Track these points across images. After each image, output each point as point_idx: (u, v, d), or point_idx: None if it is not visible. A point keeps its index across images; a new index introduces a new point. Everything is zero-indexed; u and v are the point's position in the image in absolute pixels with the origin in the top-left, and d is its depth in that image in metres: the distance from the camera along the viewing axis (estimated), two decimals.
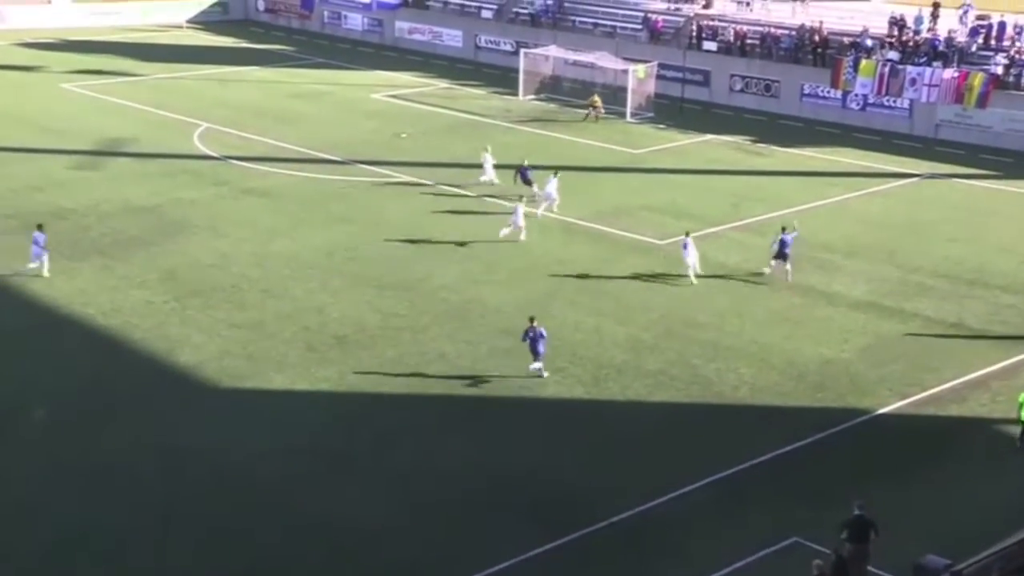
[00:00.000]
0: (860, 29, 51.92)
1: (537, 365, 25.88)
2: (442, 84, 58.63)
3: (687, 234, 32.67)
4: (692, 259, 31.79)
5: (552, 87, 56.02)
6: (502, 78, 58.58)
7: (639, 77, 52.45)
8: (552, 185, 37.40)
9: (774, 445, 23.39)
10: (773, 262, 32.23)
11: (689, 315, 29.88)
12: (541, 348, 25.73)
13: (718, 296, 31.20)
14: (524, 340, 25.84)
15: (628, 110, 51.72)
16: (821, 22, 53.59)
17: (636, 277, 32.33)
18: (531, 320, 26.07)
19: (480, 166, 40.03)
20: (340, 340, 27.89)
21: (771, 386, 26.22)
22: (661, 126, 50.32)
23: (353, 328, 28.56)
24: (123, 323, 28.45)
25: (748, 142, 48.43)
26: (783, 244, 31.80)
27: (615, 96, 52.70)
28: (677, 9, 59.54)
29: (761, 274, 32.38)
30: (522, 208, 34.86)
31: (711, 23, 57.26)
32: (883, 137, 49.11)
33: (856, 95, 50.84)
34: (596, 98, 51.28)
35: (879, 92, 49.50)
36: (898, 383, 26.44)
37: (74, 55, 62.62)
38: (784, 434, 23.87)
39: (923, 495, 22.02)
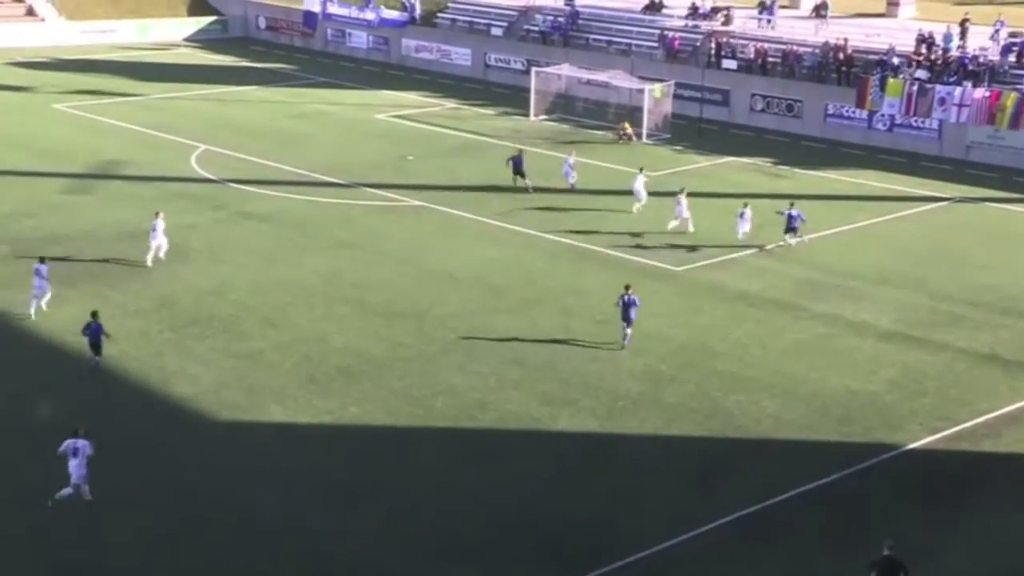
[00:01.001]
0: (886, 47, 52.11)
1: (628, 332, 29.13)
2: (450, 104, 58.93)
3: (745, 205, 37.44)
4: (745, 228, 36.84)
5: (565, 107, 56.28)
6: (512, 98, 58.85)
7: (656, 97, 52.68)
8: (639, 183, 40.49)
9: (798, 481, 23.33)
10: (787, 236, 36.60)
11: (709, 345, 29.88)
12: (633, 315, 28.99)
13: (739, 325, 31.21)
14: (618, 306, 29.28)
15: (644, 131, 51.90)
16: (846, 39, 53.79)
17: (653, 305, 32.36)
18: (626, 288, 29.34)
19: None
20: (343, 371, 27.95)
21: (795, 420, 26.18)
22: (678, 148, 50.46)
23: (357, 358, 28.63)
24: (117, 353, 28.53)
25: (769, 164, 48.51)
26: (791, 219, 36.34)
27: (630, 117, 52.89)
28: (695, 26, 59.82)
29: (782, 245, 36.71)
30: (684, 199, 38.12)
31: (730, 40, 57.52)
32: (911, 159, 49.15)
33: (883, 115, 50.95)
34: (626, 124, 51.59)
35: (907, 112, 49.61)
36: (929, 417, 26.37)
37: (68, 74, 63.12)
38: (809, 470, 23.80)
39: (955, 534, 21.92)
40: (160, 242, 34.34)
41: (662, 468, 24.15)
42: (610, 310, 31.82)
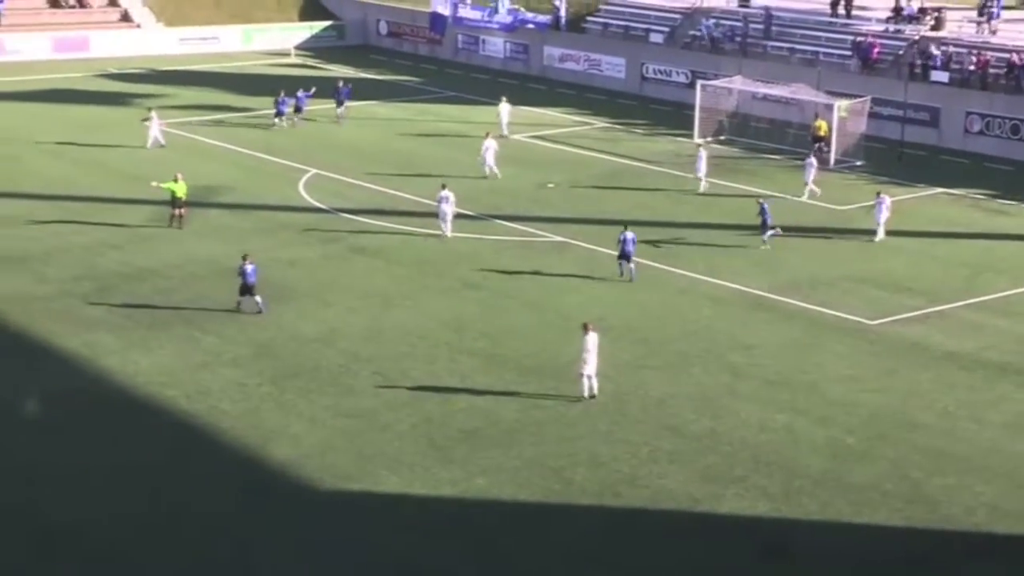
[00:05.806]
0: None
1: (630, 267, 37.33)
2: (599, 123, 59.27)
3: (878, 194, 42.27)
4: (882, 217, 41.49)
5: (736, 127, 56.01)
6: (673, 116, 58.91)
7: (841, 115, 52.11)
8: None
9: None
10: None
11: (909, 414, 29.27)
12: (631, 249, 37.24)
13: (947, 392, 30.50)
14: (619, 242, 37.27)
15: (832, 156, 51.32)
16: None
17: (840, 366, 31.83)
18: (625, 226, 37.58)
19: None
20: (469, 435, 28.18)
21: (1018, 510, 25.43)
22: (873, 177, 49.73)
23: (485, 421, 28.83)
24: (209, 408, 29.30)
25: (988, 198, 47.47)
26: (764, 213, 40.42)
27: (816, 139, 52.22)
28: (897, 31, 59.07)
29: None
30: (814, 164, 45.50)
31: (942, 48, 56.57)
32: None
33: None
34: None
35: None
36: None
37: (164, 87, 65.58)
38: None
39: None
40: (451, 211, 41.30)
41: (849, 564, 23.66)
42: (784, 370, 31.47)
